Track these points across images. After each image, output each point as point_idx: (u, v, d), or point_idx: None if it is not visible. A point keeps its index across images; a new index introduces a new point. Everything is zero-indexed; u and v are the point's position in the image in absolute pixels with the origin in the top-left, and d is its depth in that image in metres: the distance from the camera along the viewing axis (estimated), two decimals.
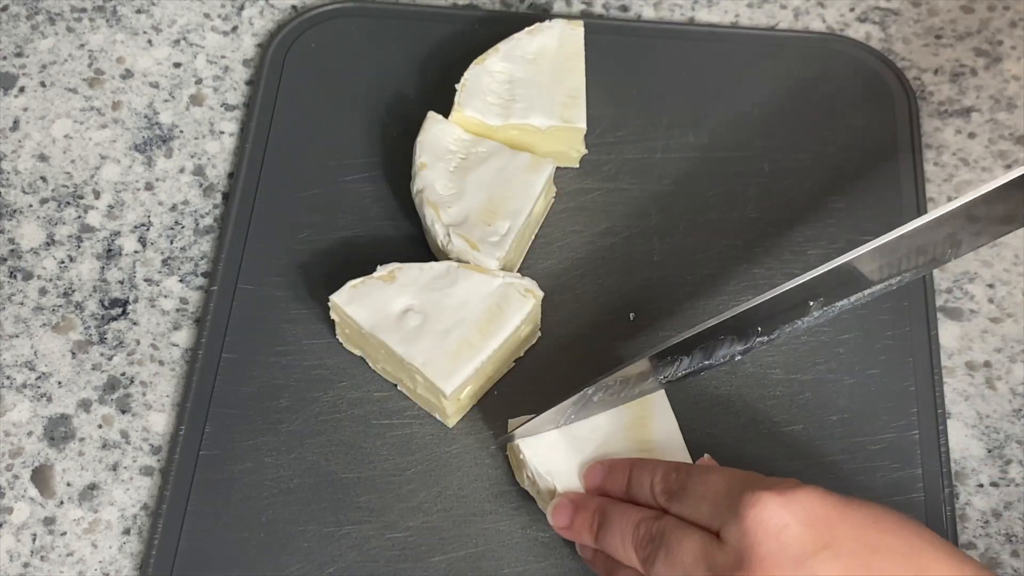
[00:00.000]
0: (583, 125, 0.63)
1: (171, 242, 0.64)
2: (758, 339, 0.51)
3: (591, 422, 0.54)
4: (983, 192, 0.46)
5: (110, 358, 0.61)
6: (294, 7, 0.73)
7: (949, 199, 0.66)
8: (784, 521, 0.44)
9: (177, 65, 0.70)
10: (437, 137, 0.62)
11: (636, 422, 0.55)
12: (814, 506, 0.45)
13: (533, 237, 0.64)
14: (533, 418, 0.53)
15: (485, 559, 0.55)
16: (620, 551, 0.50)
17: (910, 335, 0.61)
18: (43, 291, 0.62)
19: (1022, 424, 0.60)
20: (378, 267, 0.58)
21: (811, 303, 0.50)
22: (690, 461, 0.54)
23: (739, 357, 0.52)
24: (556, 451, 0.54)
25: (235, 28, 0.72)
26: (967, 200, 0.46)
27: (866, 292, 0.51)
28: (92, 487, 0.57)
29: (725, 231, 0.64)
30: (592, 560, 0.53)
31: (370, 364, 0.59)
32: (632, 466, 0.52)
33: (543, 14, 0.72)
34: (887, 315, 0.61)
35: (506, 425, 0.56)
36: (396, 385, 0.59)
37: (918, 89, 0.70)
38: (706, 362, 0.52)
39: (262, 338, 0.60)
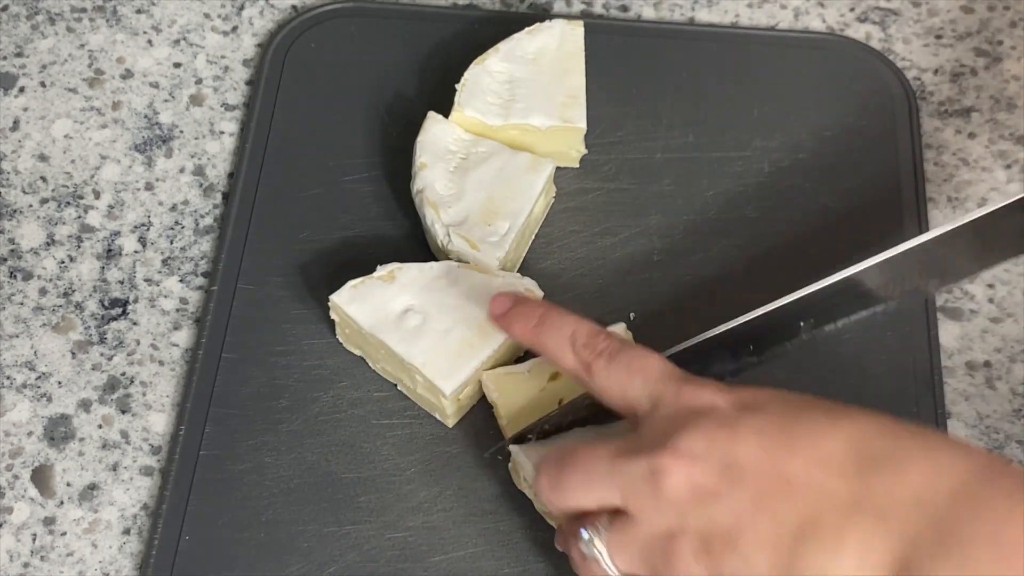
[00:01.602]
0: (583, 125, 0.63)
1: (171, 242, 0.64)
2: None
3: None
4: (979, 215, 0.47)
5: (110, 358, 0.61)
6: (294, 7, 0.73)
7: (949, 200, 0.66)
8: (716, 397, 0.44)
9: (177, 65, 0.70)
10: (437, 137, 0.62)
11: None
12: (748, 389, 0.45)
13: (533, 237, 0.64)
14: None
15: (485, 559, 0.55)
16: (557, 350, 0.49)
17: (910, 335, 0.61)
18: (43, 291, 0.62)
19: (1022, 424, 0.60)
20: (378, 267, 0.58)
21: (801, 324, 0.50)
22: None
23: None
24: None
25: (235, 28, 0.72)
26: (958, 224, 0.47)
27: (853, 318, 0.50)
28: (92, 487, 0.57)
29: (725, 231, 0.64)
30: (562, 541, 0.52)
31: (370, 364, 0.59)
32: (548, 310, 0.51)
33: (543, 14, 0.72)
34: (887, 315, 0.61)
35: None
36: (396, 385, 0.59)
37: (918, 89, 0.70)
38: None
39: (262, 338, 0.60)
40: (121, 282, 0.63)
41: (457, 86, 0.63)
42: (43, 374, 0.60)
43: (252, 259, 0.62)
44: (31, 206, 0.65)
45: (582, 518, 0.46)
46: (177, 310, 0.62)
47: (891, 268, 0.50)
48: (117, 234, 0.64)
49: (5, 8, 0.72)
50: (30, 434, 0.58)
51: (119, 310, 0.62)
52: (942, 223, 0.54)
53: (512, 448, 0.54)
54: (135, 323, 0.62)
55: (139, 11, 0.72)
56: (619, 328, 0.58)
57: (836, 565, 0.40)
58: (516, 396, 0.56)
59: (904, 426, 0.42)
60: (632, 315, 0.61)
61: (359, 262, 0.59)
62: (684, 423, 0.43)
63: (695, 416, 0.44)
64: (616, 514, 0.45)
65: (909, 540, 0.39)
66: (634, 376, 0.47)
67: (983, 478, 0.39)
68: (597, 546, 0.45)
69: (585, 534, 0.45)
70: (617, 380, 0.47)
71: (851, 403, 0.58)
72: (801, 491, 0.41)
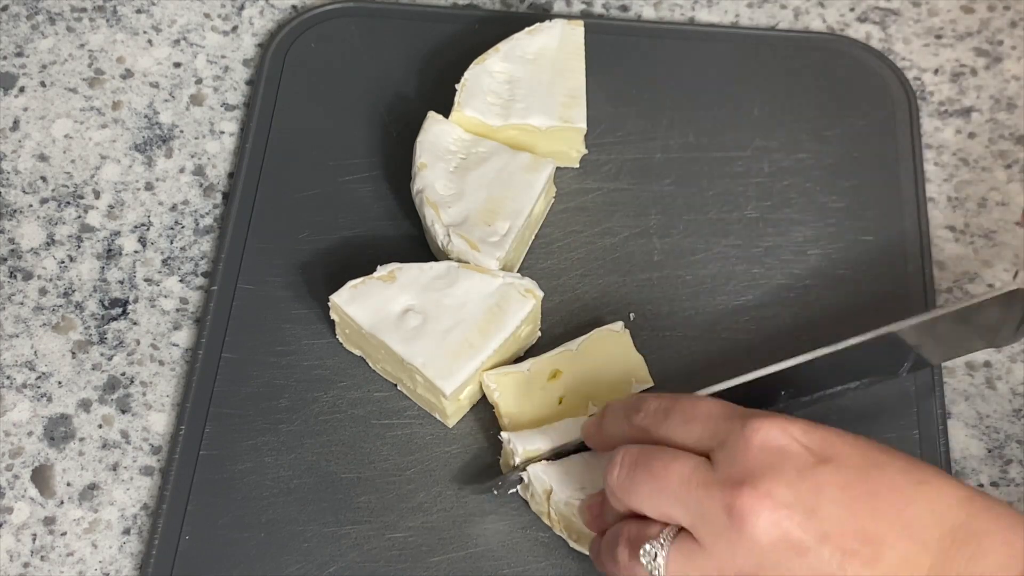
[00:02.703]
0: (583, 125, 0.63)
1: (171, 242, 0.64)
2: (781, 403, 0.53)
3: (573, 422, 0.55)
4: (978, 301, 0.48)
5: (110, 358, 0.61)
6: (294, 7, 0.73)
7: (949, 199, 0.66)
8: (788, 438, 0.43)
9: (177, 65, 0.70)
10: (437, 137, 0.62)
11: None
12: (815, 429, 0.44)
13: (533, 237, 0.64)
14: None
15: (485, 559, 0.55)
16: (615, 429, 0.49)
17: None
18: (43, 291, 0.62)
19: (1022, 424, 0.60)
20: (378, 267, 0.58)
21: (782, 392, 0.54)
22: None
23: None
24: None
25: (235, 28, 0.72)
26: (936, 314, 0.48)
27: (827, 392, 0.55)
28: (92, 487, 0.57)
29: (725, 231, 0.64)
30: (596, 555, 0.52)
31: (370, 364, 0.59)
32: (604, 411, 0.51)
33: (543, 14, 0.72)
34: (887, 315, 0.61)
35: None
36: (396, 385, 0.59)
37: (918, 89, 0.70)
38: None
39: (262, 338, 0.60)
40: (121, 282, 0.63)
41: (457, 86, 0.63)
42: (43, 374, 0.60)
43: (252, 259, 0.62)
44: (31, 206, 0.65)
45: (637, 524, 0.46)
46: (177, 310, 0.62)
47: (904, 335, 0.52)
48: (117, 234, 0.64)
49: (5, 8, 0.72)
50: (30, 434, 0.58)
51: (119, 310, 0.62)
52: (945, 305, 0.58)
53: (531, 468, 0.53)
54: (135, 323, 0.62)
55: (139, 11, 0.72)
56: (617, 327, 0.58)
57: None
58: (517, 395, 0.56)
59: (980, 497, 0.43)
60: (632, 315, 0.61)
61: (359, 262, 0.59)
62: (761, 465, 0.43)
63: (771, 458, 0.43)
64: (681, 532, 0.44)
65: None
66: (693, 424, 0.46)
67: None
68: (658, 562, 0.44)
69: (650, 547, 0.44)
70: (678, 433, 0.46)
71: (851, 403, 0.59)
72: (887, 557, 0.41)
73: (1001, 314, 0.53)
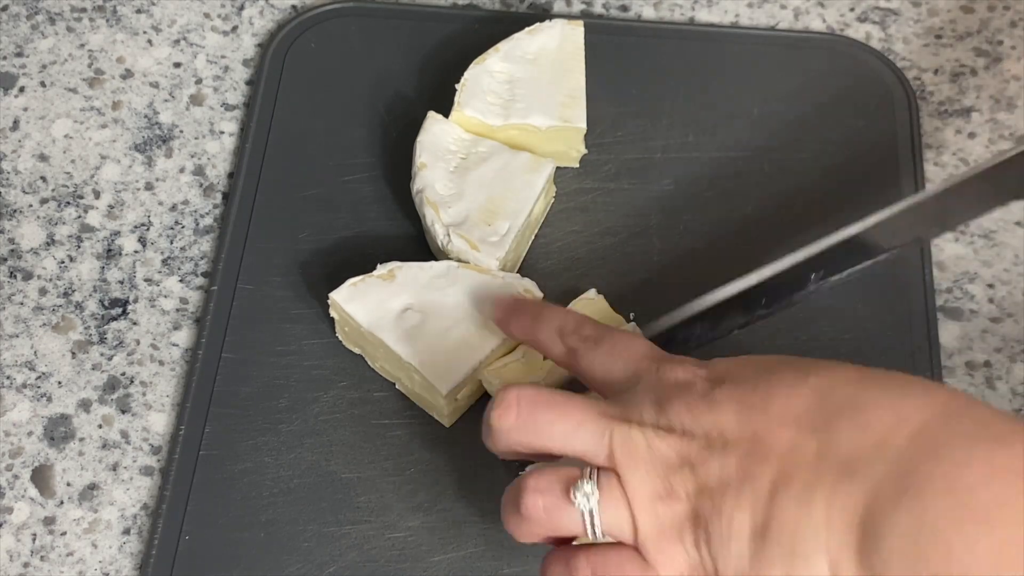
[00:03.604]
0: (583, 125, 0.63)
1: (171, 242, 0.64)
2: (759, 311, 0.53)
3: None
4: (978, 171, 0.48)
5: (110, 358, 0.61)
6: (294, 7, 0.73)
7: None
8: (691, 375, 0.46)
9: (177, 65, 0.71)
10: (437, 137, 0.62)
11: None
12: (715, 362, 0.46)
13: (533, 237, 0.64)
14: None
15: (485, 559, 0.55)
16: (547, 341, 0.51)
17: (910, 335, 0.61)
18: (43, 291, 0.62)
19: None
20: (378, 266, 0.58)
21: (812, 275, 0.51)
22: None
23: (738, 331, 0.53)
24: None
25: (235, 28, 0.72)
26: (961, 179, 0.48)
27: (859, 266, 0.52)
28: (92, 487, 0.57)
29: (725, 231, 0.64)
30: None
31: (369, 363, 0.59)
32: (541, 306, 0.53)
33: (543, 14, 0.72)
34: (887, 315, 0.61)
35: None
36: (395, 384, 0.59)
37: (918, 89, 0.70)
38: (710, 334, 0.54)
39: (262, 338, 0.60)
40: (121, 282, 0.63)
41: (457, 86, 0.63)
42: (43, 374, 0.60)
43: (252, 259, 0.63)
44: (31, 206, 0.65)
45: (550, 468, 0.46)
46: (177, 310, 0.62)
47: (898, 218, 0.52)
48: (117, 234, 0.64)
49: (5, 8, 0.72)
50: (30, 434, 0.58)
51: (119, 310, 0.62)
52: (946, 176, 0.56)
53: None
54: (135, 323, 0.62)
55: (139, 11, 0.72)
56: (591, 294, 0.59)
57: (807, 519, 0.40)
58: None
59: (871, 372, 0.43)
60: (632, 315, 0.61)
61: (359, 262, 0.59)
62: (666, 399, 0.45)
63: (676, 391, 0.45)
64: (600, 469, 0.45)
65: (872, 488, 0.39)
66: (617, 358, 0.48)
67: (943, 419, 0.40)
68: (592, 502, 0.44)
69: (587, 486, 0.44)
70: (601, 363, 0.49)
71: None
72: (774, 450, 0.42)
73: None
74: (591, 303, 0.59)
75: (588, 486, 0.44)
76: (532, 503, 0.45)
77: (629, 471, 0.44)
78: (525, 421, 0.46)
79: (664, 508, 0.43)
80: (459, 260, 0.59)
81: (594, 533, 0.45)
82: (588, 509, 0.44)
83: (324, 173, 0.65)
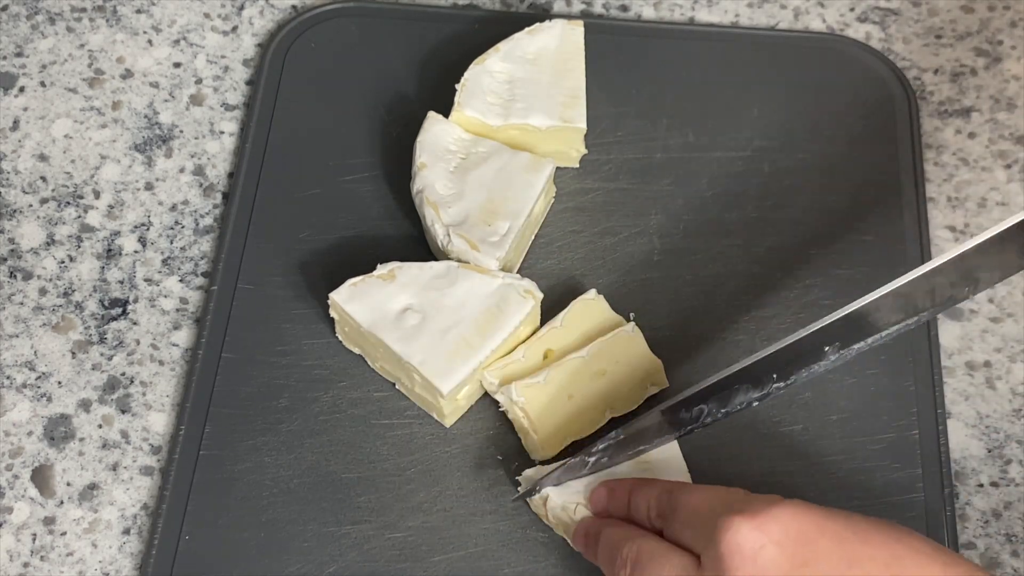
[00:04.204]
0: (583, 125, 0.63)
1: (171, 242, 0.64)
2: (775, 385, 0.51)
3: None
4: (994, 233, 0.47)
5: (110, 358, 0.61)
6: (294, 7, 0.73)
7: (949, 199, 0.66)
8: (760, 543, 0.44)
9: (177, 65, 0.71)
10: (437, 137, 0.62)
11: None
12: (790, 524, 0.45)
13: (533, 237, 0.64)
14: (549, 473, 0.54)
15: (485, 559, 0.55)
16: (607, 569, 0.50)
17: (910, 335, 0.61)
18: (43, 291, 0.62)
19: (1022, 424, 0.60)
20: (378, 266, 0.58)
21: (826, 348, 0.50)
22: (688, 478, 0.54)
23: (756, 403, 0.52)
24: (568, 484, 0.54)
25: (235, 28, 0.72)
26: (978, 242, 0.47)
27: (882, 334, 0.51)
28: (92, 487, 0.57)
29: (725, 231, 0.64)
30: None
31: (369, 363, 0.59)
32: (632, 487, 0.52)
33: (543, 14, 0.72)
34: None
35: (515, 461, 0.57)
36: (395, 384, 0.59)
37: (918, 89, 0.70)
38: (723, 411, 0.52)
39: (262, 338, 0.60)
40: (121, 282, 0.63)
41: (457, 86, 0.63)
42: (43, 374, 0.60)
43: (252, 259, 0.63)
44: (31, 206, 0.65)
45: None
46: (177, 310, 0.62)
47: (920, 284, 0.50)
48: (117, 234, 0.64)
49: (5, 8, 0.72)
50: (30, 434, 0.58)
51: (119, 310, 0.62)
52: (967, 237, 0.53)
53: (550, 491, 0.54)
54: (135, 323, 0.62)
55: (139, 11, 0.72)
56: (591, 295, 0.59)
57: None
58: (539, 399, 0.56)
59: (957, 564, 0.44)
60: (632, 315, 0.61)
61: (359, 262, 0.59)
62: (729, 570, 0.44)
63: (747, 567, 0.44)
64: None
65: None
66: (686, 528, 0.48)
67: None
68: None
69: None
70: (675, 535, 0.49)
71: (851, 403, 0.59)
72: None
73: None
74: (591, 303, 0.59)
75: None
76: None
77: None
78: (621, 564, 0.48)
79: None
80: (459, 260, 0.59)
81: None
82: None
83: (324, 173, 0.65)
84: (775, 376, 0.51)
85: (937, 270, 0.48)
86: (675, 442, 0.55)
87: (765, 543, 0.44)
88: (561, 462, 0.54)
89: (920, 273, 0.48)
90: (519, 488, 0.55)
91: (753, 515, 0.45)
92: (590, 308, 0.59)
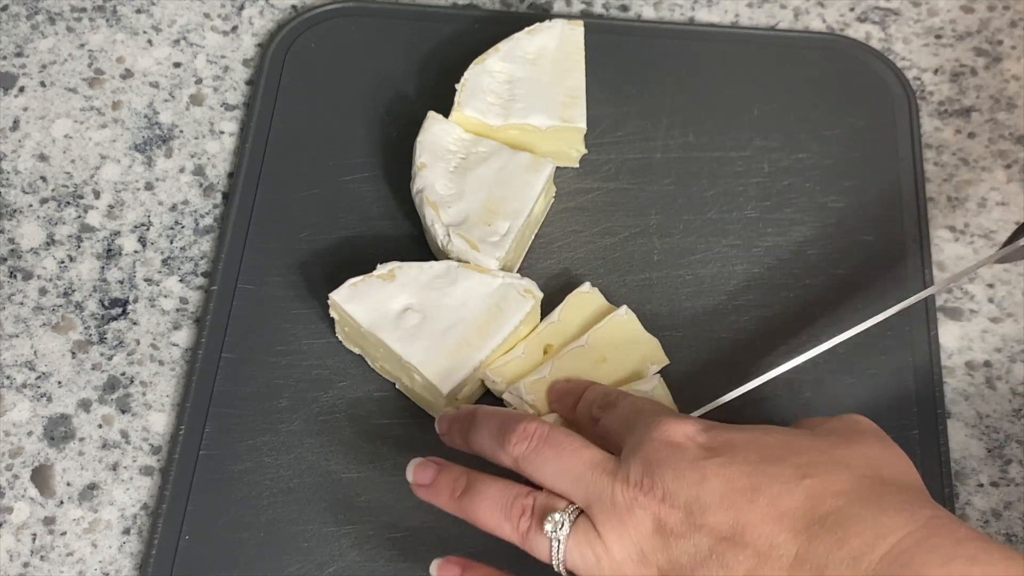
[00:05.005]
0: (583, 125, 0.63)
1: (171, 242, 0.64)
2: None
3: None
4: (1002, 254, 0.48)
5: (110, 358, 0.61)
6: (294, 7, 0.73)
7: (949, 199, 0.66)
8: (684, 436, 0.46)
9: (177, 65, 0.71)
10: (437, 137, 0.62)
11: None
12: (717, 428, 0.46)
13: (533, 237, 0.64)
14: None
15: (485, 559, 0.54)
16: (582, 417, 0.52)
17: (910, 335, 0.61)
18: (43, 291, 0.62)
19: (1022, 424, 0.60)
20: (378, 265, 0.58)
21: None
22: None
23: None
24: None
25: (235, 28, 0.72)
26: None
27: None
28: (92, 487, 0.57)
29: (725, 231, 0.64)
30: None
31: (369, 363, 0.59)
32: (590, 384, 0.54)
33: (543, 14, 0.72)
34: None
35: None
36: (395, 384, 0.59)
37: (918, 89, 0.70)
38: None
39: (262, 338, 0.60)
40: (121, 282, 0.63)
41: (457, 86, 0.63)
42: (43, 374, 0.60)
43: (252, 259, 0.63)
44: (31, 206, 0.65)
45: (543, 495, 0.48)
46: (177, 310, 0.62)
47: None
48: (117, 234, 0.64)
49: (5, 8, 0.72)
50: (30, 434, 0.58)
51: (119, 310, 0.62)
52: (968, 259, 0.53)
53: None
54: (135, 323, 0.62)
55: (139, 11, 0.72)
56: (586, 288, 0.59)
57: None
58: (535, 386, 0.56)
59: (868, 484, 0.44)
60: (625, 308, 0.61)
61: (359, 262, 0.59)
62: (656, 458, 0.45)
63: (668, 452, 0.45)
64: (581, 514, 0.46)
65: None
66: (627, 419, 0.49)
67: (921, 538, 0.41)
68: (563, 532, 0.46)
69: (559, 516, 0.46)
70: (616, 424, 0.50)
71: (851, 403, 0.59)
72: (752, 544, 0.43)
73: None
74: (586, 296, 0.59)
75: (560, 517, 0.46)
76: (517, 510, 0.48)
77: (604, 527, 0.45)
78: (530, 454, 0.48)
79: (633, 571, 0.45)
80: (459, 260, 0.59)
81: (557, 564, 0.47)
82: (557, 540, 0.46)
83: (324, 173, 0.65)
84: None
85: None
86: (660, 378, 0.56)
87: (687, 439, 0.46)
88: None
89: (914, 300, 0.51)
90: None
91: (680, 418, 0.47)
92: (585, 301, 0.59)
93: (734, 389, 0.55)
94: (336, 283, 0.57)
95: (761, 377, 0.54)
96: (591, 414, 0.52)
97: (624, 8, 0.73)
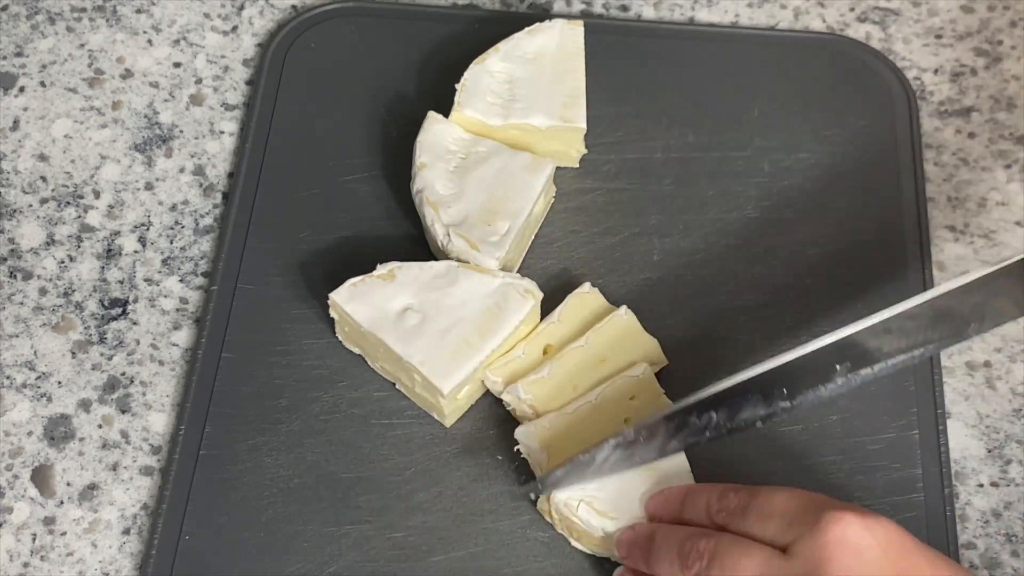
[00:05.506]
0: (583, 125, 0.63)
1: (171, 242, 0.64)
2: (781, 403, 0.51)
3: None
4: (1013, 262, 0.47)
5: (110, 358, 0.61)
6: (294, 7, 0.73)
7: (949, 199, 0.66)
8: (866, 542, 0.45)
9: (177, 65, 0.71)
10: (437, 137, 0.62)
11: None
12: (894, 533, 0.46)
13: (533, 237, 0.64)
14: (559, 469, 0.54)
15: (485, 559, 0.55)
16: (668, 572, 0.50)
17: None
18: (43, 291, 0.62)
19: (1022, 424, 0.60)
20: (378, 266, 0.58)
21: (837, 367, 0.50)
22: (693, 480, 0.54)
23: (760, 424, 0.51)
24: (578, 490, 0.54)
25: (235, 28, 0.72)
26: (996, 268, 0.47)
27: (890, 363, 0.50)
28: (92, 487, 0.57)
29: (725, 231, 0.64)
30: None
31: (369, 362, 0.59)
32: (687, 490, 0.52)
33: (543, 14, 0.72)
34: None
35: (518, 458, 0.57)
36: (395, 384, 0.59)
37: (918, 89, 0.70)
38: (729, 424, 0.51)
39: (262, 338, 0.60)
40: (121, 282, 0.63)
41: (457, 86, 0.63)
42: (43, 374, 0.60)
43: (252, 259, 0.63)
44: (31, 206, 0.65)
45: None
46: (177, 310, 0.62)
47: (933, 308, 0.50)
48: (117, 234, 0.64)
49: (5, 8, 0.72)
50: (30, 434, 0.58)
51: (119, 310, 0.62)
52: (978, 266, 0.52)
53: (583, 506, 0.54)
54: (135, 323, 0.62)
55: (139, 11, 0.72)
56: (586, 288, 0.59)
57: None
58: (545, 393, 0.56)
59: None
60: (625, 308, 0.61)
61: (359, 262, 0.59)
62: (837, 563, 0.45)
63: (848, 558, 0.45)
64: None
65: None
66: (769, 521, 0.48)
67: None
68: None
69: None
70: (755, 529, 0.48)
71: (851, 403, 0.59)
72: None
73: None
74: (586, 296, 0.59)
75: None
76: None
77: None
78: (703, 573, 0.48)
79: None
80: (459, 260, 0.59)
81: None
82: None
83: (324, 173, 0.65)
84: (784, 392, 0.51)
85: (955, 292, 0.48)
86: (683, 454, 0.55)
87: (871, 543, 0.45)
88: (568, 459, 0.54)
89: (939, 292, 0.49)
90: (523, 479, 0.56)
91: (862, 515, 0.45)
92: (585, 301, 0.59)
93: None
94: (336, 283, 0.57)
95: (759, 366, 0.52)
96: (712, 521, 0.50)
97: (624, 8, 0.73)
